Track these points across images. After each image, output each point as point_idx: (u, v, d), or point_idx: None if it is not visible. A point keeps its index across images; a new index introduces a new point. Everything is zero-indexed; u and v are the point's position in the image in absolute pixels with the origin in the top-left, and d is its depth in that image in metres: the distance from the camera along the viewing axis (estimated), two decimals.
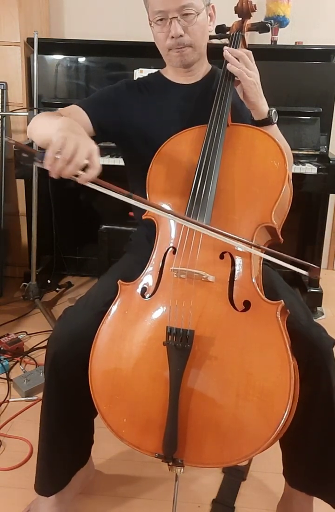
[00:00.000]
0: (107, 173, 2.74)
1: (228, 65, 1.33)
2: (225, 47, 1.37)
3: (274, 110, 1.37)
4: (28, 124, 1.38)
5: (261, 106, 1.35)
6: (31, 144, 2.56)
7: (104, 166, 2.78)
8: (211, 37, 1.50)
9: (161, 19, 1.38)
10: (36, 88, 2.64)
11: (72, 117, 1.38)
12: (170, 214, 1.21)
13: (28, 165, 0.98)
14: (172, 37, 1.38)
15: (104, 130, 1.49)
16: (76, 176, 1.03)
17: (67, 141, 1.01)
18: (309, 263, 1.11)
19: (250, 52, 1.36)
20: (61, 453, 1.35)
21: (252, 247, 1.18)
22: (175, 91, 1.51)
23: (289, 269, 1.14)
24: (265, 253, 1.20)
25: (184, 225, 1.20)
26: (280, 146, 1.27)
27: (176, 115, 1.47)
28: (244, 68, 1.31)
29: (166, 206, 1.30)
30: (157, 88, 1.53)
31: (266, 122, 1.35)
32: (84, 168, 1.03)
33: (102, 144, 1.64)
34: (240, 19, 1.49)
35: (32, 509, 1.46)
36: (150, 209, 1.21)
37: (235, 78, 1.34)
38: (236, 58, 1.33)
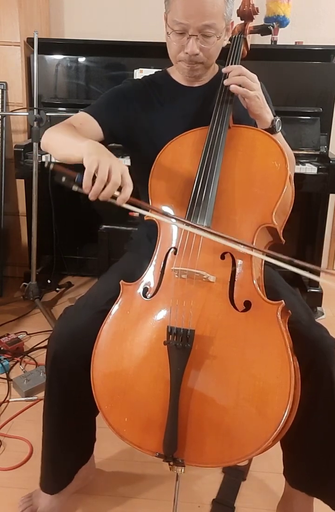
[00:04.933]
0: None
1: (232, 86, 1.30)
2: (223, 69, 1.36)
3: (278, 119, 1.36)
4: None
5: (266, 116, 1.33)
6: (31, 144, 2.56)
7: None
8: None
9: (180, 33, 1.34)
10: (36, 88, 2.64)
11: (84, 127, 1.41)
12: (190, 226, 1.20)
13: (67, 186, 1.02)
14: (186, 53, 1.36)
15: (114, 134, 1.49)
16: (113, 197, 1.07)
17: (101, 163, 1.05)
18: (313, 266, 1.10)
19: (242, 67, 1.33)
20: (64, 452, 1.37)
21: (253, 250, 1.18)
22: (183, 93, 1.50)
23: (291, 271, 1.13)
24: (266, 255, 1.19)
25: (196, 233, 1.20)
26: (281, 147, 1.27)
27: (183, 117, 1.46)
28: (247, 82, 1.28)
29: (168, 208, 1.30)
30: (165, 89, 1.51)
31: (269, 131, 1.33)
32: (119, 189, 1.07)
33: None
34: (243, 21, 1.49)
35: (34, 497, 1.48)
36: (183, 227, 1.22)
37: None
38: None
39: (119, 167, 1.08)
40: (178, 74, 1.50)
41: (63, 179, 1.08)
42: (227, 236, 1.14)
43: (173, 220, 1.26)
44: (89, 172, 1.05)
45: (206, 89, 1.49)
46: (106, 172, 1.05)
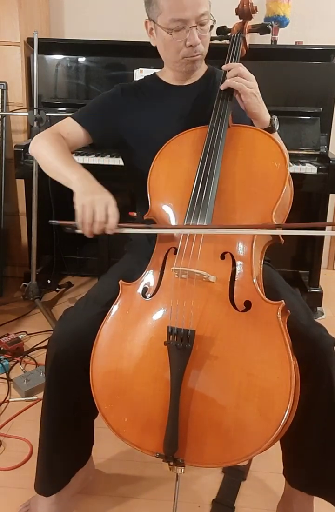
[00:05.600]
0: (107, 173, 2.75)
1: (228, 80, 1.32)
2: (223, 66, 1.37)
3: (275, 118, 1.37)
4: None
5: (264, 115, 1.34)
6: None
7: (104, 166, 2.78)
8: (212, 38, 1.50)
9: (178, 29, 1.36)
10: (36, 88, 2.64)
11: (71, 137, 1.47)
12: (188, 229, 1.23)
13: (71, 232, 1.21)
14: (190, 45, 1.37)
15: (103, 139, 1.52)
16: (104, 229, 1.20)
17: (85, 209, 1.18)
18: (324, 223, 1.13)
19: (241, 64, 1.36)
20: (61, 454, 1.36)
21: (258, 229, 1.21)
22: (173, 93, 1.51)
23: (306, 235, 1.15)
24: (275, 229, 1.23)
25: (197, 233, 1.22)
26: (281, 146, 1.27)
27: (174, 116, 1.47)
28: (244, 81, 1.30)
29: (167, 208, 1.31)
30: (154, 90, 1.53)
31: (268, 130, 1.34)
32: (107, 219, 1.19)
33: None
34: (241, 20, 1.49)
35: (32, 504, 1.47)
36: (171, 232, 1.28)
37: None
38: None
39: (103, 204, 1.19)
40: (169, 75, 1.52)
41: (68, 229, 1.25)
42: (229, 226, 1.17)
43: (169, 229, 1.30)
44: (80, 220, 1.20)
45: (196, 87, 1.51)
46: (91, 216, 1.18)
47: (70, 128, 1.48)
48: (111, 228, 1.19)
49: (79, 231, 1.21)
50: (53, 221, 1.28)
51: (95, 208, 1.18)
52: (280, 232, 1.21)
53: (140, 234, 1.58)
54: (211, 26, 1.40)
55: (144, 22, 1.46)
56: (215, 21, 1.40)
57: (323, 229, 1.14)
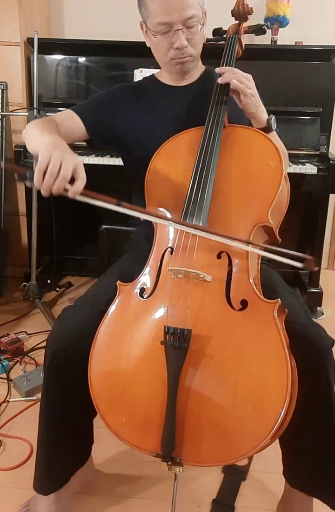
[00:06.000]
0: (107, 173, 2.74)
1: (233, 82, 1.29)
2: (216, 69, 1.36)
3: (273, 118, 1.37)
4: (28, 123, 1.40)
5: (261, 114, 1.34)
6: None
7: (104, 166, 2.78)
8: (208, 40, 1.51)
9: (165, 32, 1.37)
10: (36, 88, 2.64)
11: (65, 123, 1.43)
12: (160, 219, 1.22)
13: (21, 182, 1.02)
14: (177, 48, 1.38)
15: (100, 135, 1.52)
16: (66, 190, 1.06)
17: (51, 158, 1.06)
18: (304, 255, 1.11)
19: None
20: (60, 453, 1.36)
21: (249, 245, 1.18)
22: (170, 93, 1.52)
23: (284, 262, 1.13)
24: (261, 249, 1.20)
25: (178, 228, 1.21)
26: (276, 146, 1.27)
27: (172, 117, 1.48)
28: (243, 80, 1.29)
29: (164, 208, 1.31)
30: (152, 91, 1.54)
31: (265, 130, 1.34)
32: (72, 182, 1.07)
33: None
34: (237, 22, 1.49)
35: (31, 504, 1.47)
36: (141, 215, 1.20)
37: (231, 87, 1.32)
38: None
39: (72, 161, 1.08)
40: (165, 76, 1.52)
41: (16, 176, 1.09)
42: (222, 234, 1.14)
43: (151, 217, 1.25)
44: (39, 168, 1.06)
45: (194, 87, 1.51)
46: (56, 167, 1.05)
47: (65, 115, 1.48)
48: (76, 191, 1.06)
49: (28, 184, 1.07)
50: (6, 160, 1.16)
51: (63, 162, 1.06)
52: (251, 248, 1.18)
53: (139, 234, 1.59)
54: (202, 25, 1.39)
55: (139, 23, 1.47)
56: (203, 25, 1.39)
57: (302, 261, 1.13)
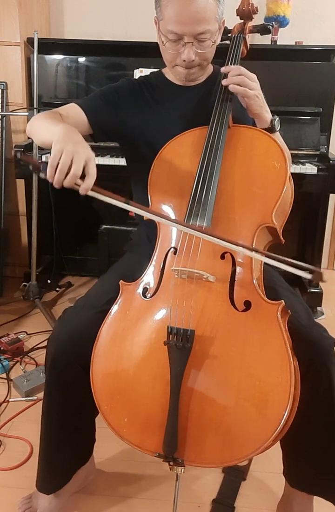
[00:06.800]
0: (107, 173, 2.74)
1: (230, 86, 1.29)
2: (222, 69, 1.36)
3: (277, 118, 1.36)
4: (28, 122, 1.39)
5: (265, 115, 1.34)
6: (31, 143, 2.57)
7: (104, 166, 2.77)
8: None
9: (175, 40, 1.33)
10: (36, 88, 2.64)
11: (70, 117, 1.40)
12: (166, 220, 1.21)
13: (36, 174, 1.02)
14: (183, 60, 1.36)
15: (104, 130, 1.49)
16: (77, 185, 1.07)
17: (63, 153, 1.05)
18: (312, 267, 1.11)
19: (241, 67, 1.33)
20: (62, 453, 1.36)
21: (252, 251, 1.17)
22: (176, 92, 1.50)
23: (291, 272, 1.12)
24: (266, 257, 1.18)
25: (182, 230, 1.20)
26: (281, 147, 1.27)
27: (178, 116, 1.46)
28: (247, 81, 1.28)
29: (167, 207, 1.30)
30: (159, 89, 1.52)
31: (269, 130, 1.33)
32: (83, 177, 1.07)
33: (102, 144, 1.64)
34: (242, 21, 1.49)
35: (33, 497, 1.48)
36: (148, 215, 1.19)
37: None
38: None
39: (83, 156, 1.07)
40: (172, 74, 1.51)
41: (30, 167, 1.10)
42: (225, 238, 1.13)
43: (158, 218, 1.24)
44: (51, 162, 1.06)
45: (201, 88, 1.49)
46: (67, 164, 1.05)
47: (69, 108, 1.45)
48: (86, 188, 1.07)
49: (42, 176, 1.07)
50: (20, 152, 1.14)
51: (74, 158, 1.06)
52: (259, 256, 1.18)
53: (140, 233, 1.59)
54: (214, 42, 1.35)
55: (153, 18, 1.43)
56: (215, 41, 1.36)
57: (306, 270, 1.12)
